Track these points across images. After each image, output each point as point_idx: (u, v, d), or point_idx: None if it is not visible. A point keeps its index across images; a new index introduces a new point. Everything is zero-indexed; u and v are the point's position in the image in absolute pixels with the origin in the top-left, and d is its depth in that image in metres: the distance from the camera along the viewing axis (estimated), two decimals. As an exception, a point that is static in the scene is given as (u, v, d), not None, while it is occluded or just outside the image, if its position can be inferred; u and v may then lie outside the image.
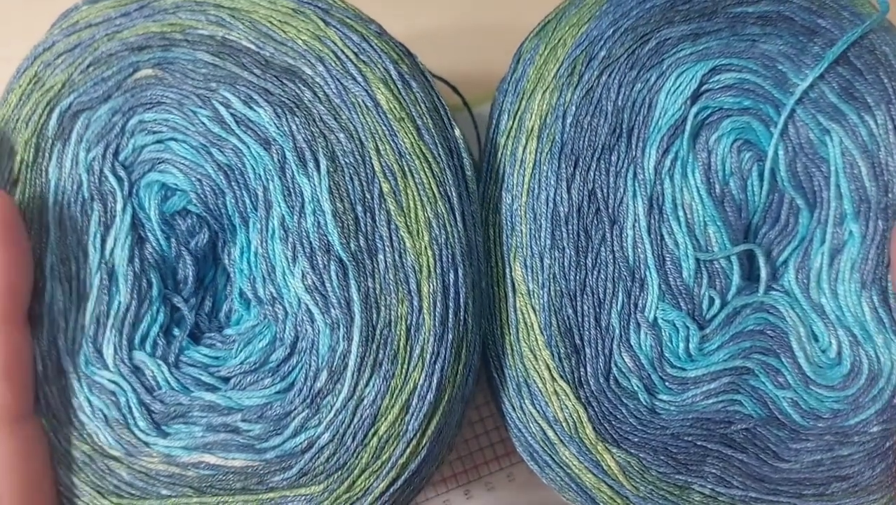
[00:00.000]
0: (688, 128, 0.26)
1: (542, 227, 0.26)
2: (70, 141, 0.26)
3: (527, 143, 0.27)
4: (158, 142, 0.26)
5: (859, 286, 0.26)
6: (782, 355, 0.26)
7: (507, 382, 0.27)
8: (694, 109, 0.26)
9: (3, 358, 0.23)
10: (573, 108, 0.26)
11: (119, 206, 0.25)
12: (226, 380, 0.26)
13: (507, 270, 0.27)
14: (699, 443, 0.26)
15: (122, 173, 0.26)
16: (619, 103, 0.26)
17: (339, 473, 0.25)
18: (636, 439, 0.26)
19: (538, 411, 0.26)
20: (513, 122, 0.27)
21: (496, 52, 0.38)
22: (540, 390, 0.26)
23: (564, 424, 0.26)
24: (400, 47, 0.27)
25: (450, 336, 0.25)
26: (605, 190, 0.26)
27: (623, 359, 0.26)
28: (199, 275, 0.27)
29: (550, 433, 0.26)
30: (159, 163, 0.26)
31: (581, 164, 0.26)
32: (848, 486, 0.26)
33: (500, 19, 0.40)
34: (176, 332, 0.26)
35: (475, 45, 0.40)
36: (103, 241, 0.25)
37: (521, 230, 0.26)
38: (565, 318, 0.26)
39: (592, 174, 0.26)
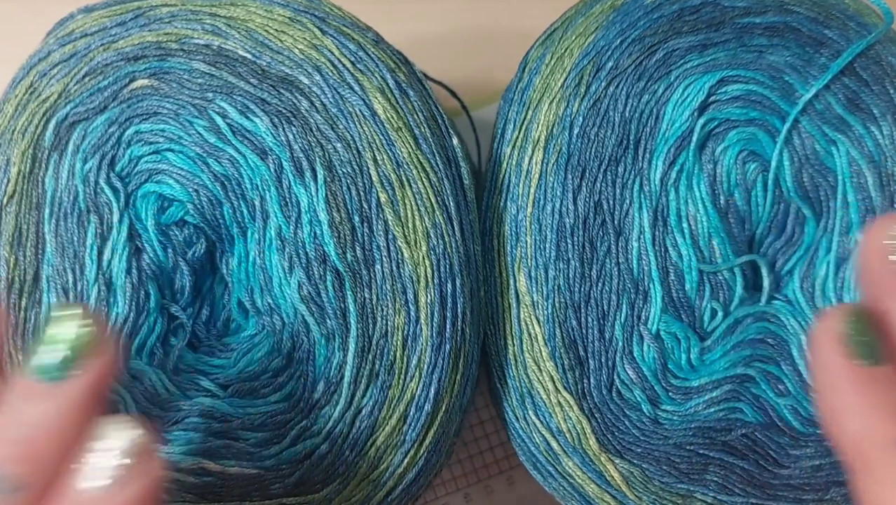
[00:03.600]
0: (694, 139, 0.25)
1: (547, 238, 0.25)
2: (67, 152, 0.24)
3: (533, 154, 0.25)
4: (155, 152, 0.24)
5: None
6: (783, 363, 0.25)
7: (511, 393, 0.25)
8: (701, 121, 0.25)
9: None
10: (580, 118, 0.25)
11: (115, 218, 0.24)
12: (224, 388, 0.24)
13: (512, 281, 0.25)
14: (701, 452, 0.24)
15: (118, 185, 0.24)
16: (627, 114, 0.25)
17: (338, 482, 0.23)
18: (639, 450, 0.24)
19: (542, 422, 0.25)
20: (518, 133, 0.26)
21: (495, 56, 0.37)
22: (543, 401, 0.25)
23: (568, 435, 0.25)
24: (397, 55, 0.25)
25: (447, 346, 0.23)
26: (611, 202, 0.25)
27: (626, 371, 0.24)
28: (197, 284, 0.26)
29: (554, 444, 0.25)
30: (156, 173, 0.24)
31: (587, 175, 0.25)
32: (847, 491, 0.25)
33: (498, 23, 0.39)
34: (174, 341, 0.25)
35: (474, 49, 0.38)
36: (100, 253, 0.24)
37: (526, 241, 0.25)
38: (569, 329, 0.24)
39: (599, 186, 0.25)
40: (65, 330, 0.18)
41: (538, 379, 0.25)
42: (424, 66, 0.31)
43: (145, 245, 0.24)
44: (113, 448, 0.18)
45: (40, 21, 0.26)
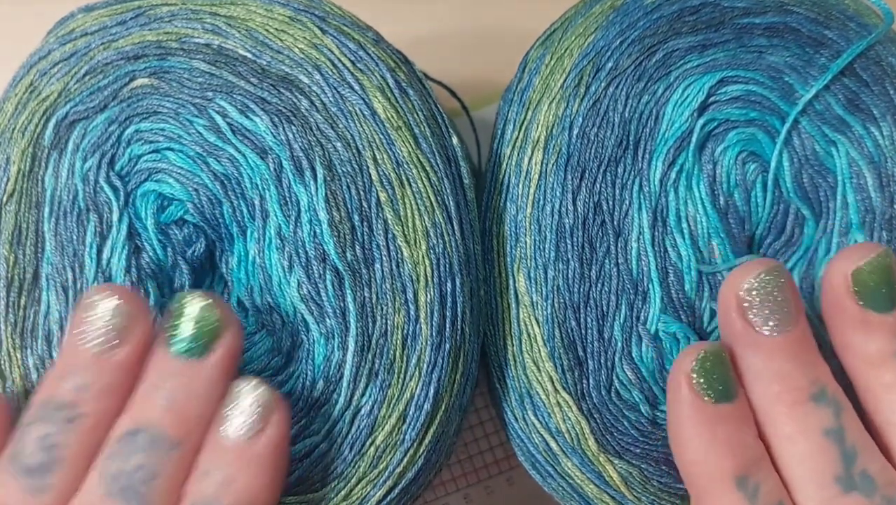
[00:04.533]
0: (694, 140, 0.25)
1: (546, 238, 0.25)
2: (66, 151, 0.24)
3: (532, 154, 0.25)
4: (155, 151, 0.24)
5: (863, 296, 0.25)
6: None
7: (510, 393, 0.25)
8: (700, 121, 0.25)
9: None
10: (580, 119, 0.25)
11: (115, 217, 0.24)
12: (225, 387, 0.25)
13: (511, 281, 0.25)
14: (699, 453, 0.25)
15: (117, 183, 0.24)
16: (626, 115, 0.25)
17: (337, 481, 0.23)
18: (638, 451, 0.24)
19: (541, 422, 0.25)
20: (518, 133, 0.26)
21: (495, 56, 0.37)
22: (542, 402, 0.25)
23: (567, 436, 0.25)
24: (397, 54, 0.26)
25: (447, 346, 0.23)
26: (610, 202, 0.25)
27: (625, 371, 0.24)
28: (196, 283, 0.26)
29: (553, 444, 0.25)
30: (156, 172, 0.24)
31: (587, 176, 0.25)
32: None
33: (499, 23, 0.39)
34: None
35: (474, 49, 0.38)
36: (100, 252, 0.24)
37: (526, 241, 0.25)
38: (569, 330, 0.24)
39: (598, 186, 0.25)
40: (194, 314, 0.22)
41: (537, 379, 0.25)
42: (425, 65, 0.31)
43: (145, 244, 0.24)
44: (247, 405, 0.21)
45: (40, 21, 0.26)
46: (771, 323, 0.21)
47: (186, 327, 0.21)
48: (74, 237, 0.24)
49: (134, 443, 0.21)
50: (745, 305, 0.21)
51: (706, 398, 0.21)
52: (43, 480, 0.21)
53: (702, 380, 0.21)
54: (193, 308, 0.22)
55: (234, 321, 0.22)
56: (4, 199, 0.24)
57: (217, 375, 0.22)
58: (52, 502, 0.21)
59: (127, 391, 0.22)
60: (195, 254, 0.25)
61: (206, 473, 0.21)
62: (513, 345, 0.25)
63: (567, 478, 0.25)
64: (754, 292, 0.21)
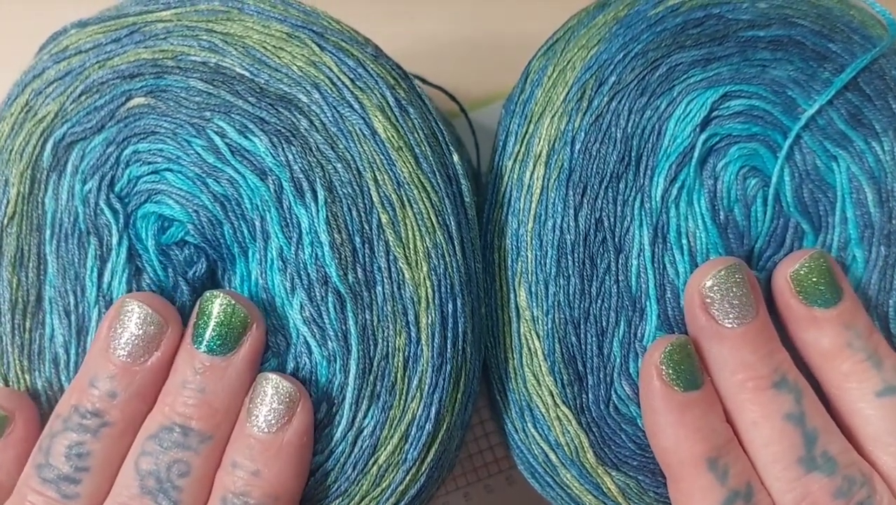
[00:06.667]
0: (696, 155, 0.25)
1: (547, 254, 0.25)
2: (66, 173, 0.24)
3: (534, 169, 0.25)
4: (154, 172, 0.24)
5: (861, 308, 0.25)
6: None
7: (510, 405, 0.26)
8: (703, 137, 0.25)
9: None
10: (582, 134, 0.25)
11: (115, 240, 0.24)
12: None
13: (512, 295, 0.25)
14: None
15: (117, 206, 0.24)
16: (629, 130, 0.25)
17: (341, 499, 0.24)
18: (635, 463, 0.25)
19: (540, 435, 0.25)
20: (520, 147, 0.26)
21: (494, 57, 0.37)
22: (543, 415, 0.25)
23: (566, 448, 0.25)
24: (397, 70, 0.25)
25: (448, 367, 0.24)
26: (611, 219, 0.25)
27: (623, 387, 0.24)
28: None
29: (552, 456, 0.25)
30: (155, 194, 0.24)
31: (589, 192, 0.25)
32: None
33: (497, 24, 0.38)
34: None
35: (473, 50, 0.38)
36: (100, 275, 0.24)
37: (527, 256, 0.25)
38: (569, 345, 0.25)
39: (600, 202, 0.25)
40: (221, 311, 0.23)
41: (537, 393, 0.25)
42: (423, 66, 0.31)
43: (146, 265, 0.24)
44: (273, 399, 0.22)
45: (39, 22, 0.26)
46: (731, 316, 0.23)
47: (213, 324, 0.22)
48: (76, 260, 0.24)
49: (167, 439, 0.22)
50: (708, 301, 0.23)
51: (675, 387, 0.23)
52: (73, 488, 0.22)
53: (670, 370, 0.23)
54: (220, 305, 0.23)
55: (258, 317, 0.23)
56: (6, 222, 0.24)
57: (244, 368, 0.23)
58: None
59: (156, 393, 0.23)
60: (196, 274, 0.25)
61: (236, 465, 0.22)
62: (513, 358, 0.26)
63: (566, 488, 0.26)
64: (715, 289, 0.23)
